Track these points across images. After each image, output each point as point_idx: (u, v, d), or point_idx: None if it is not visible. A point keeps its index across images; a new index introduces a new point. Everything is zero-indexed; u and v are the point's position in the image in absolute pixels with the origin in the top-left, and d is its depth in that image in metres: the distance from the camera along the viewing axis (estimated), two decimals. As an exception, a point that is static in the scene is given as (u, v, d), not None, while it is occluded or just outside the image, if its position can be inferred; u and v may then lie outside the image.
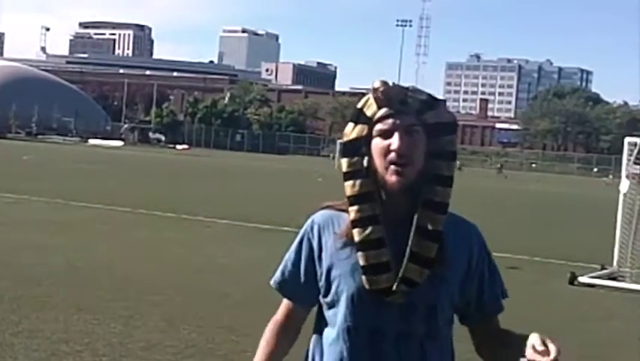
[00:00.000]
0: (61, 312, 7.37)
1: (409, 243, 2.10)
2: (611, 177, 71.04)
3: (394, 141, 2.07)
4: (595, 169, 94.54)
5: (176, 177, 32.98)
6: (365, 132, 2.12)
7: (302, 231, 2.27)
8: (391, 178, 2.08)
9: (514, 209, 27.82)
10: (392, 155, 2.08)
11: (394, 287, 2.10)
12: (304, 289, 2.25)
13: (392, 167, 2.08)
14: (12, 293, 7.97)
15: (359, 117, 2.14)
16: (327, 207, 2.26)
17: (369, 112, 2.13)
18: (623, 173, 12.21)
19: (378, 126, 2.10)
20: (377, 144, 2.11)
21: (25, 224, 13.54)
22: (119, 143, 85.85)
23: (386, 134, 2.10)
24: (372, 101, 2.13)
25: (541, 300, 10.33)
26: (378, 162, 2.10)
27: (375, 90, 2.12)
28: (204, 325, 7.33)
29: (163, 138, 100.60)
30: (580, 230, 20.93)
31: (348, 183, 2.14)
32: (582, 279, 11.44)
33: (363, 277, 2.12)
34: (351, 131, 2.15)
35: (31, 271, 9.23)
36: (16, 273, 9.05)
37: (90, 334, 6.70)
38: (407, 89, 2.14)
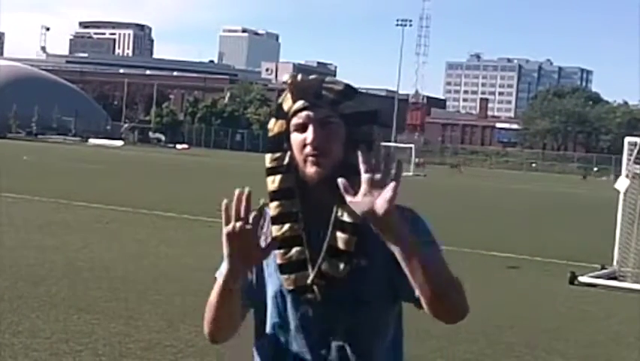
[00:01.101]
0: (61, 312, 7.37)
1: (327, 237, 2.07)
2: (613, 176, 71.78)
3: (309, 135, 2.05)
4: (595, 169, 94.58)
5: (177, 176, 32.98)
6: (284, 127, 2.11)
7: None
8: (310, 170, 2.06)
9: (513, 209, 27.80)
10: (308, 148, 2.05)
11: (309, 281, 2.07)
12: (247, 287, 2.19)
13: (309, 158, 2.05)
14: (12, 293, 7.97)
15: (278, 112, 2.13)
16: (262, 206, 2.20)
17: (286, 106, 2.11)
18: (623, 172, 12.21)
19: (294, 120, 2.09)
20: (294, 138, 2.09)
21: (25, 224, 13.53)
22: (119, 143, 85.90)
23: (301, 128, 2.08)
24: (289, 95, 2.11)
25: (542, 300, 10.33)
26: (297, 156, 2.08)
27: (285, 84, 2.10)
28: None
29: (163, 138, 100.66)
30: (580, 230, 20.91)
31: (270, 179, 2.13)
32: (582, 279, 11.43)
33: (281, 277, 2.11)
34: (273, 126, 2.14)
35: (31, 271, 9.23)
36: (16, 273, 9.04)
37: (90, 334, 6.70)
38: (324, 80, 2.11)
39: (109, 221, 14.98)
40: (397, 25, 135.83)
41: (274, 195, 2.11)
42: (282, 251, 2.10)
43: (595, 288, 11.29)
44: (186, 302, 8.26)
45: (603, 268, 12.20)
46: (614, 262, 12.11)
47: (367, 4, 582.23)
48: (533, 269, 12.78)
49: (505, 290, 10.75)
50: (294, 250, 2.09)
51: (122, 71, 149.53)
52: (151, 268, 10.17)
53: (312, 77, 2.12)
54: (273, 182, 2.12)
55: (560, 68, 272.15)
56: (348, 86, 2.12)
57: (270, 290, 2.15)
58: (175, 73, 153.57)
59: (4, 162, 31.36)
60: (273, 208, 2.11)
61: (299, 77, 2.10)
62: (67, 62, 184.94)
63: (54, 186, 22.41)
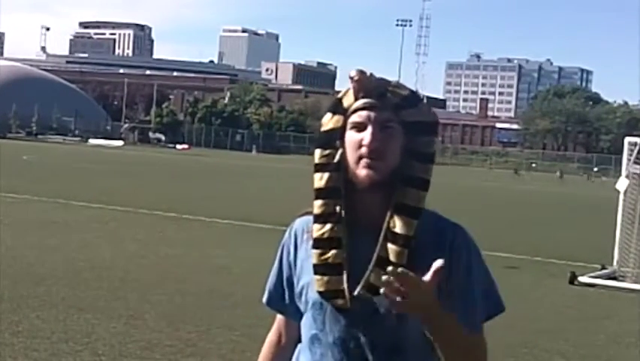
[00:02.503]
0: (61, 312, 7.37)
1: (377, 247, 1.98)
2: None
3: (366, 136, 1.97)
4: (595, 169, 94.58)
5: (177, 176, 32.98)
6: (340, 123, 2.02)
7: (282, 241, 2.19)
8: (361, 172, 1.97)
9: (515, 209, 27.80)
10: (363, 149, 1.97)
11: (356, 292, 1.98)
12: (290, 301, 2.17)
13: (363, 160, 1.97)
14: (12, 293, 7.97)
15: (336, 107, 2.04)
16: (306, 212, 2.13)
17: (346, 102, 2.03)
18: (623, 172, 12.21)
19: (353, 118, 2.00)
20: (350, 136, 2.00)
21: (25, 224, 13.53)
22: (119, 143, 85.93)
23: (360, 127, 1.99)
24: (351, 91, 2.03)
25: (542, 300, 10.33)
26: (350, 155, 1.99)
27: (351, 79, 2.02)
28: (204, 325, 7.32)
29: (163, 138, 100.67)
30: (580, 230, 20.92)
31: (317, 176, 2.04)
32: (582, 279, 11.43)
33: (314, 277, 2.02)
34: (328, 121, 2.05)
35: (31, 271, 9.23)
36: (16, 273, 9.04)
37: (90, 333, 6.70)
38: (389, 83, 2.03)
39: (109, 221, 14.99)
40: (397, 25, 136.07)
41: (320, 193, 2.04)
42: (319, 251, 2.02)
43: (595, 288, 11.29)
44: (186, 302, 8.26)
45: (603, 268, 12.20)
46: (614, 262, 12.12)
47: (367, 4, 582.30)
48: (533, 269, 12.78)
49: (504, 290, 10.72)
50: (332, 252, 2.01)
51: (122, 71, 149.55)
52: (151, 268, 10.16)
53: (378, 77, 2.04)
54: (320, 179, 2.04)
55: (560, 68, 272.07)
56: (413, 93, 2.04)
57: (311, 297, 2.07)
58: (175, 73, 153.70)
59: (4, 162, 31.36)
60: (317, 206, 2.04)
61: (368, 73, 2.02)
62: (67, 62, 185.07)
63: (54, 186, 22.41)
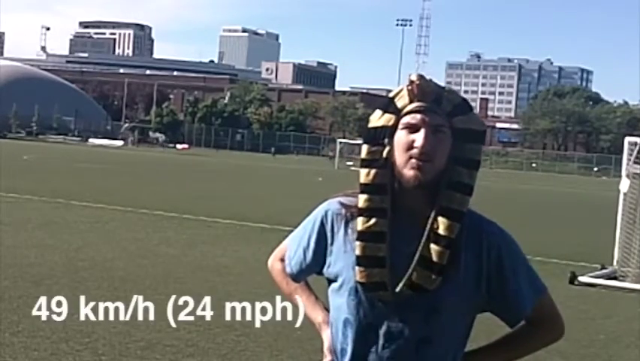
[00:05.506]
0: (61, 312, 7.36)
1: (420, 247, 2.06)
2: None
3: (419, 138, 2.03)
4: (595, 168, 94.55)
5: (178, 176, 32.97)
6: (392, 122, 2.08)
7: (315, 215, 2.24)
8: (409, 172, 2.04)
9: (514, 208, 27.80)
10: (414, 150, 2.03)
11: (398, 289, 2.05)
12: (305, 268, 2.29)
13: (412, 161, 2.03)
14: (12, 293, 7.97)
15: (389, 106, 2.10)
16: (345, 196, 2.21)
17: (400, 103, 2.09)
18: (623, 172, 12.21)
19: (406, 119, 2.06)
20: (401, 136, 2.06)
21: (26, 224, 13.52)
22: (119, 142, 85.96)
23: (412, 129, 2.05)
24: (405, 92, 2.08)
25: (542, 300, 10.31)
26: (399, 155, 2.06)
27: (411, 83, 2.08)
28: (204, 325, 7.32)
29: (163, 138, 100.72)
30: (580, 230, 20.91)
31: (364, 171, 2.11)
32: (582, 278, 11.43)
33: (356, 268, 2.09)
34: (378, 118, 2.11)
35: (31, 271, 9.23)
36: (16, 273, 9.04)
37: (90, 333, 6.70)
38: (444, 89, 2.10)
39: (109, 221, 14.98)
40: (397, 25, 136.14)
41: (366, 188, 2.10)
42: (362, 244, 2.08)
43: (595, 288, 11.28)
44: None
45: (603, 268, 12.19)
46: (614, 262, 12.11)
47: (367, 4, 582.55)
48: (533, 269, 12.77)
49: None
50: (376, 245, 2.08)
51: (122, 71, 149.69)
52: (151, 268, 10.16)
53: (434, 82, 2.11)
54: (367, 175, 2.10)
55: (560, 68, 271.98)
56: (464, 101, 2.12)
57: (346, 283, 2.14)
58: (175, 73, 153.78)
59: (4, 162, 31.37)
60: (362, 200, 2.10)
61: (427, 78, 2.09)
62: (67, 62, 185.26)
63: (54, 186, 22.40)
